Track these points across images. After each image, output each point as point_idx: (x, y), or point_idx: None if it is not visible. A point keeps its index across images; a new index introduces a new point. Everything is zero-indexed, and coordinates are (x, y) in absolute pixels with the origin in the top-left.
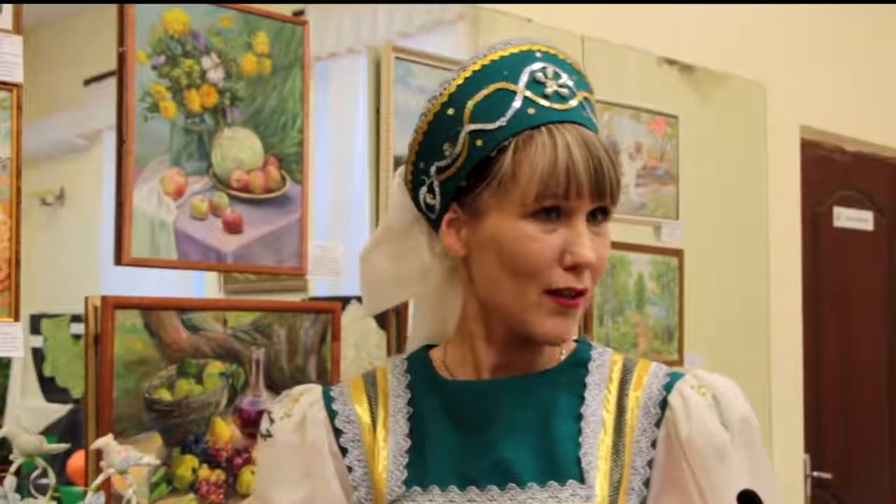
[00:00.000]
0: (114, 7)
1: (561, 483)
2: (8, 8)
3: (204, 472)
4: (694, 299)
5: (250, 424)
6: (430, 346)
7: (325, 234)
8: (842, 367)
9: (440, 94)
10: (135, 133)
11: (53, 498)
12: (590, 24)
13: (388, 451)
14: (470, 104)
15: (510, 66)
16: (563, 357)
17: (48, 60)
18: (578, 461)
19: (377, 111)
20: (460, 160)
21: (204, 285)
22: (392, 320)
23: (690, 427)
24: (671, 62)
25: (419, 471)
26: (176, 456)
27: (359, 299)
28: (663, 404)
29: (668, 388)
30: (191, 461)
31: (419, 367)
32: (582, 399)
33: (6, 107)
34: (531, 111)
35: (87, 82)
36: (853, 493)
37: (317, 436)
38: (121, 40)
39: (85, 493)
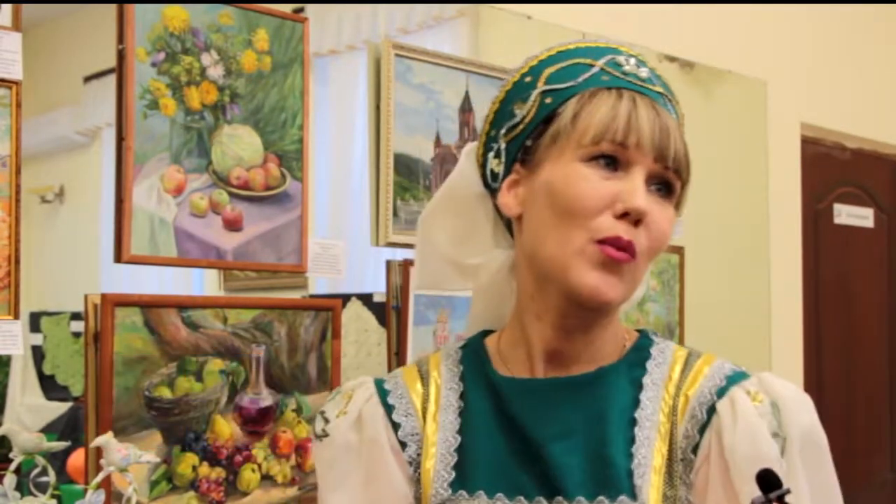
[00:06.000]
0: (113, 4)
1: (611, 499)
2: (7, 5)
3: (204, 469)
4: (694, 296)
5: (250, 422)
6: (487, 333)
7: (325, 232)
8: (843, 364)
9: (522, 66)
10: (134, 130)
11: (53, 496)
12: (590, 21)
13: (437, 449)
14: (547, 71)
15: (595, 50)
16: (624, 350)
17: (48, 57)
18: (630, 474)
19: (377, 108)
20: (529, 117)
21: (204, 283)
22: (392, 318)
23: (735, 435)
24: (672, 59)
25: (466, 473)
26: (176, 454)
27: (358, 297)
28: (711, 409)
29: (721, 391)
30: (191, 459)
31: (473, 357)
32: (637, 402)
33: (5, 104)
34: (605, 77)
35: (87, 79)
36: (854, 491)
37: (376, 432)
38: (120, 37)
39: (85, 491)
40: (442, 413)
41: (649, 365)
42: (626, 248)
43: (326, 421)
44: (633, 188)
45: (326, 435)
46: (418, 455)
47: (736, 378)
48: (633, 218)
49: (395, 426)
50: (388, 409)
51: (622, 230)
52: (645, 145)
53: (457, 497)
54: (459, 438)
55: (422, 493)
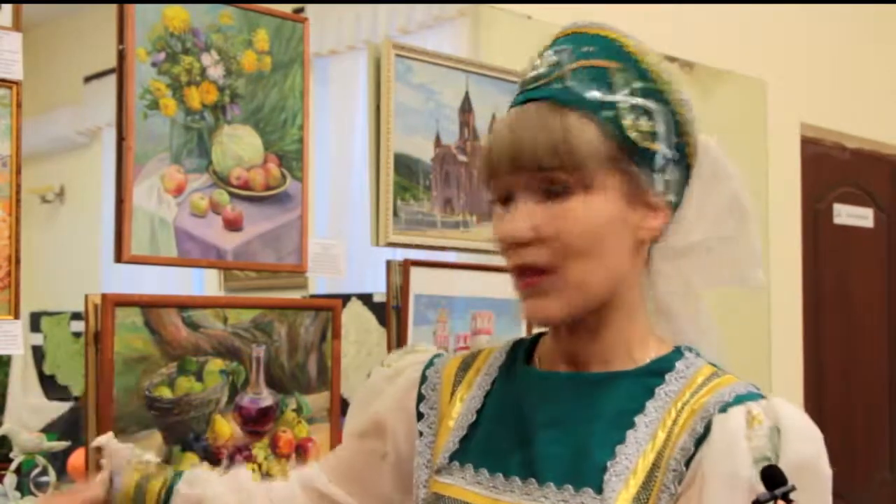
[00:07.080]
0: (113, 4)
1: (576, 488)
2: (7, 5)
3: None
4: None
5: (250, 422)
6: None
7: (325, 232)
8: (842, 364)
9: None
10: (135, 130)
11: None
12: (590, 21)
13: (454, 423)
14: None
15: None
16: (647, 360)
17: (48, 57)
18: (604, 470)
19: (377, 109)
20: None
21: (204, 283)
22: (392, 318)
23: (716, 449)
24: (671, 59)
25: (468, 447)
26: (176, 454)
27: (358, 297)
28: (709, 424)
29: (724, 408)
30: (191, 459)
31: (519, 349)
32: (643, 407)
33: (6, 104)
34: (518, 95)
35: (88, 79)
36: (854, 490)
37: (401, 392)
38: (120, 37)
39: None
40: (470, 393)
41: (669, 377)
42: (529, 269)
43: (381, 365)
44: (511, 216)
45: (369, 377)
46: (430, 428)
47: (746, 397)
48: (509, 245)
49: (420, 396)
50: (423, 378)
51: (515, 257)
52: (507, 167)
53: (450, 466)
54: (476, 417)
55: (431, 459)
